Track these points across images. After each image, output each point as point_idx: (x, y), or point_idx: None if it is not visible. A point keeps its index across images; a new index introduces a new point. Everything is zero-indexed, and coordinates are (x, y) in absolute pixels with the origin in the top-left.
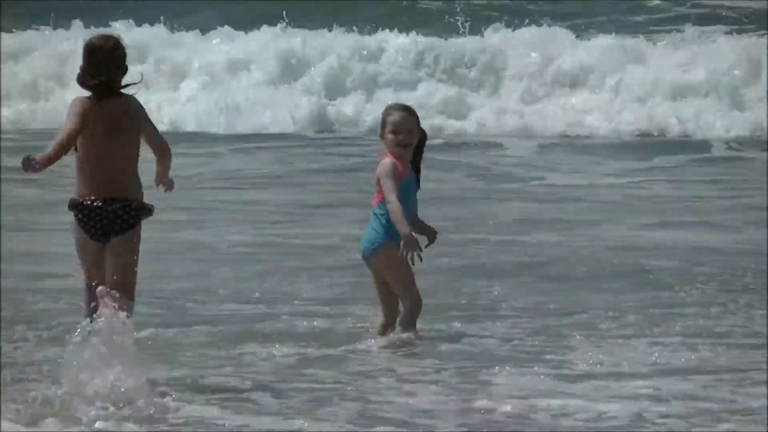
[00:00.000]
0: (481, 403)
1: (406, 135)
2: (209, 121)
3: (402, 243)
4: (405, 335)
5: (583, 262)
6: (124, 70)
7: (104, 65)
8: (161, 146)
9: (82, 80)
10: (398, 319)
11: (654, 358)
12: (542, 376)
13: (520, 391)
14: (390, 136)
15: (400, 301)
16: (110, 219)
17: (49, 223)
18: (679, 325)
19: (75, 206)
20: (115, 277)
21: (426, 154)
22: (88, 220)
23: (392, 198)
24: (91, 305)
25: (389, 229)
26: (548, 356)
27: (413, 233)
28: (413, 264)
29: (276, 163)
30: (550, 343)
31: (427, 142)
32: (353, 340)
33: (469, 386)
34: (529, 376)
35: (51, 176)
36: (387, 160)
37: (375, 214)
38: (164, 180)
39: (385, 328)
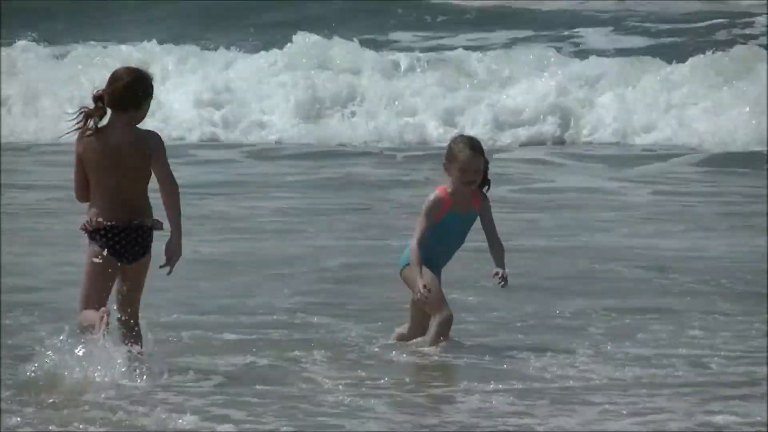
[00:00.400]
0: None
1: (473, 175)
2: None
3: (419, 287)
4: (428, 348)
5: None
6: (139, 105)
7: (115, 97)
8: (171, 184)
9: (93, 98)
10: (428, 335)
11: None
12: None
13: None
14: (457, 173)
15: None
16: (131, 242)
17: None
18: None
19: (98, 230)
20: (133, 300)
21: None
22: (114, 243)
23: (415, 238)
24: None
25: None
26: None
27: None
28: (421, 297)
29: None
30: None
31: None
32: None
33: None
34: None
35: None
36: (438, 195)
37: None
38: (172, 244)
39: (402, 337)
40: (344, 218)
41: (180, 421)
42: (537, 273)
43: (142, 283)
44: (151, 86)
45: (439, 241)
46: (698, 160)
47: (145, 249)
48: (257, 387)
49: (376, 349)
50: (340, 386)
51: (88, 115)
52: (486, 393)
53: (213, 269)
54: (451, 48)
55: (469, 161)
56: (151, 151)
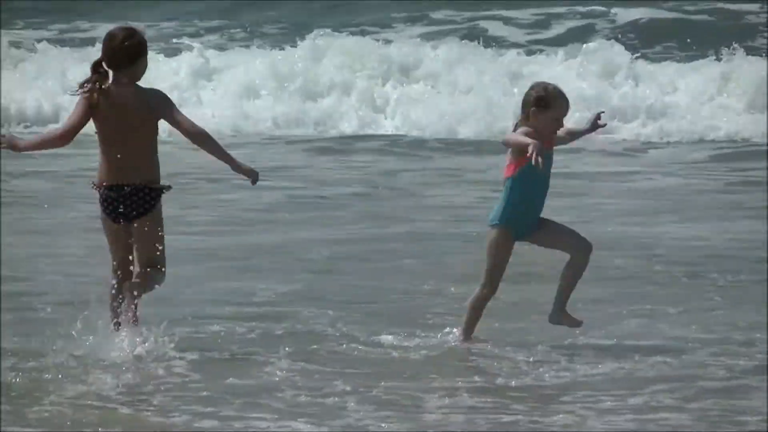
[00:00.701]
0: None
1: (563, 122)
2: None
3: (530, 148)
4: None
5: None
6: (133, 61)
7: (109, 55)
8: (194, 133)
9: (92, 66)
10: (469, 301)
11: None
12: None
13: None
14: (550, 120)
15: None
16: (126, 203)
17: None
18: None
19: (97, 188)
20: (145, 254)
21: None
22: (107, 205)
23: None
24: (117, 315)
25: (507, 210)
26: None
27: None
28: (536, 165)
29: None
30: None
31: None
32: None
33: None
34: None
35: None
36: (529, 129)
37: (505, 187)
38: (241, 169)
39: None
40: None
41: (146, 413)
42: (536, 261)
43: (149, 243)
44: (144, 42)
45: (532, 186)
46: None
47: (142, 210)
48: (225, 381)
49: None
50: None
51: (95, 80)
52: (452, 389)
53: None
54: None
55: (566, 109)
56: (158, 108)
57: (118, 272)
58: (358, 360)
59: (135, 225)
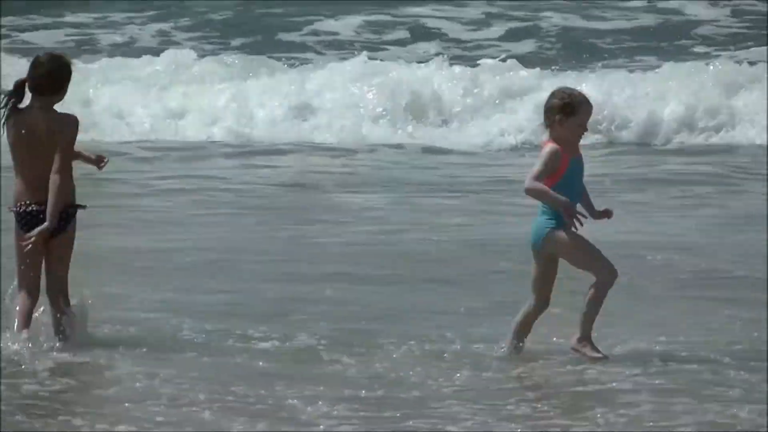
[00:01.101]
0: None
1: (586, 127)
2: None
3: (563, 213)
4: (592, 354)
5: None
6: (56, 91)
7: (33, 81)
8: (55, 171)
9: (14, 85)
10: (587, 298)
11: None
12: None
13: None
14: (575, 127)
15: (593, 273)
16: (40, 222)
17: None
18: None
19: (17, 213)
20: (55, 273)
21: None
22: (24, 223)
23: (533, 180)
24: (23, 319)
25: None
26: None
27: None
28: (575, 228)
29: None
30: None
31: None
32: None
33: None
34: None
35: None
36: (553, 147)
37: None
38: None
39: (532, 318)
40: None
41: None
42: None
43: (63, 259)
44: (70, 71)
45: (569, 195)
46: None
47: (59, 228)
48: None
49: None
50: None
51: (8, 97)
52: None
53: None
54: None
55: (590, 113)
56: (60, 132)
57: (27, 284)
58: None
59: (50, 243)
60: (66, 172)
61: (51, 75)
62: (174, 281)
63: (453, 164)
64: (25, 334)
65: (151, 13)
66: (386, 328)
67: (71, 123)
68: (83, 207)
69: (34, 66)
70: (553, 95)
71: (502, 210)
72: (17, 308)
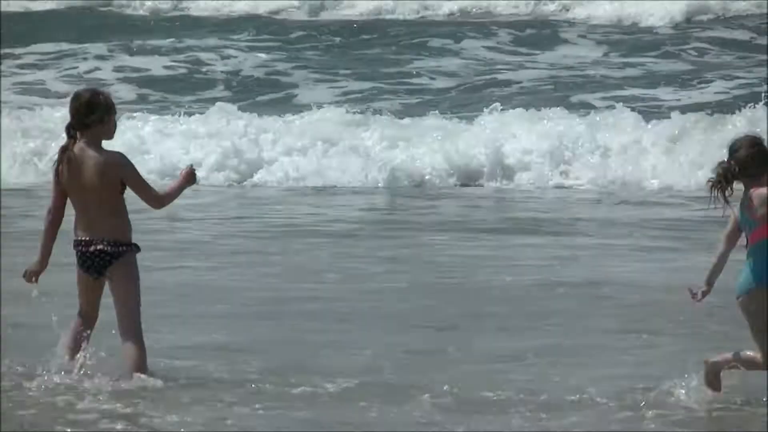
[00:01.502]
0: None
1: None
2: None
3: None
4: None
5: None
6: (96, 122)
7: (74, 115)
8: (148, 201)
9: (65, 129)
10: (748, 355)
11: None
12: None
13: None
14: None
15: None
16: (91, 260)
17: None
18: None
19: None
20: (118, 310)
21: None
22: (78, 258)
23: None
24: (73, 344)
25: (759, 271)
26: None
27: None
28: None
29: None
30: None
31: None
32: None
33: None
34: None
35: None
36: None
37: (755, 249)
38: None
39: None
40: None
41: None
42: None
43: (122, 296)
44: (110, 103)
45: None
46: None
47: (100, 268)
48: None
49: None
50: None
51: (64, 148)
52: None
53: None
54: None
55: None
56: (117, 171)
57: (83, 312)
58: None
59: (107, 280)
60: (117, 209)
61: (90, 104)
62: None
63: None
64: (66, 356)
65: None
66: None
67: (121, 158)
68: (137, 249)
69: (74, 99)
70: (749, 146)
71: None
72: (66, 341)
